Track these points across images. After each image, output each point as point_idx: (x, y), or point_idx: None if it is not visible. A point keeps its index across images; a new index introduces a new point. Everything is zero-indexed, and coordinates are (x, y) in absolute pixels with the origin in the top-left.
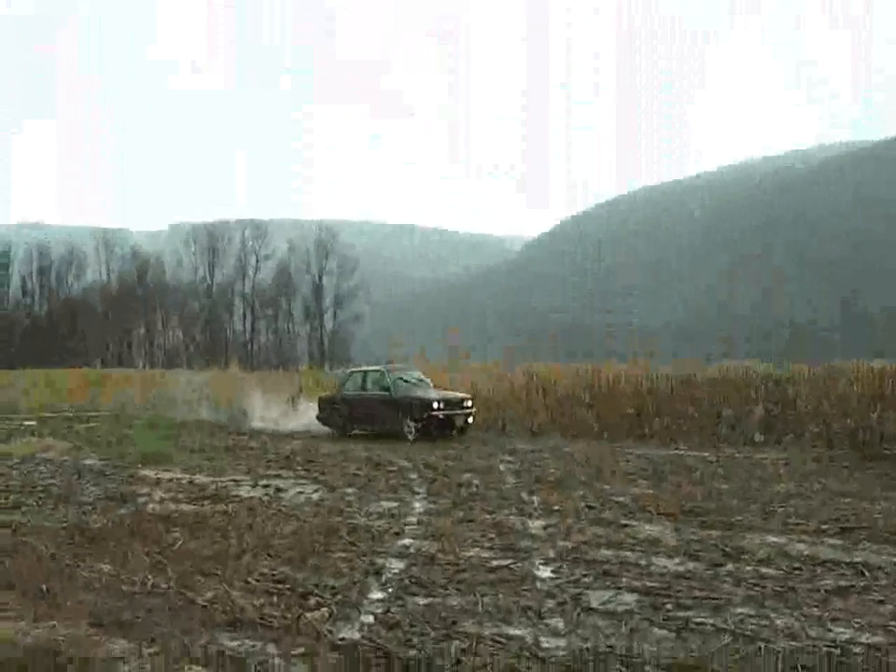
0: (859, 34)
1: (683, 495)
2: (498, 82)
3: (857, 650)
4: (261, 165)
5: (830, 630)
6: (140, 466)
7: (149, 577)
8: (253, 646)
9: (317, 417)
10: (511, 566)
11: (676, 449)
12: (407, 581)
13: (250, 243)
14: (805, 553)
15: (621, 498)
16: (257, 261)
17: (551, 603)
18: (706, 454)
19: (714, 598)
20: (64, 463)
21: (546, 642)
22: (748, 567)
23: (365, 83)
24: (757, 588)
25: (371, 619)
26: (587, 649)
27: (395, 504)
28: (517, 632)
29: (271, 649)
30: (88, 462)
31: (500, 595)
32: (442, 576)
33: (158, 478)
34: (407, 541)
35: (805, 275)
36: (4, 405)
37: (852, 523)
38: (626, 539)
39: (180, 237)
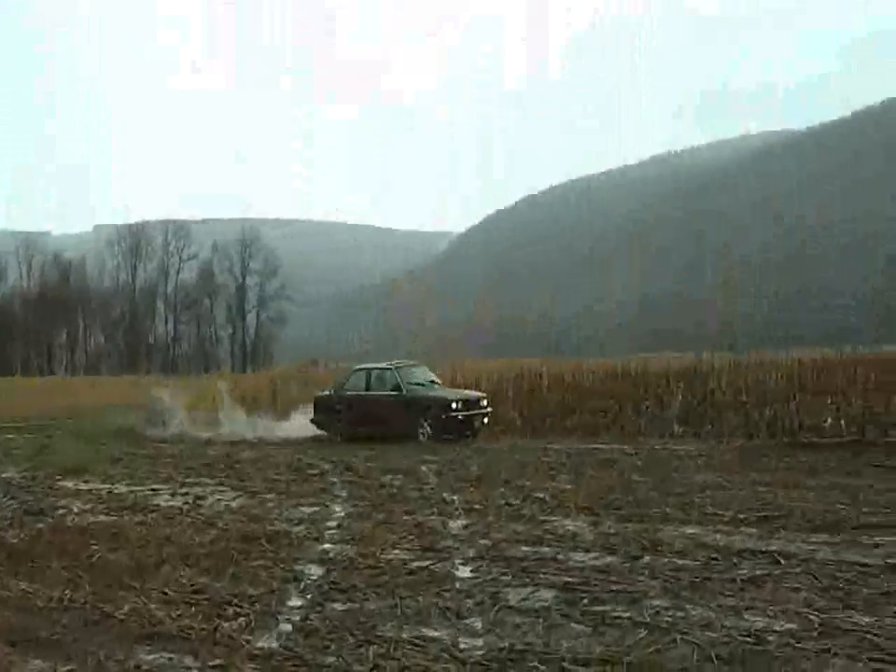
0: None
1: (602, 488)
2: (425, 75)
3: (771, 638)
4: (188, 164)
5: (745, 619)
6: (59, 477)
7: (66, 592)
8: (170, 659)
9: (312, 420)
10: (431, 567)
11: (597, 443)
12: (326, 587)
13: (173, 244)
14: (722, 543)
15: (540, 494)
16: (180, 262)
17: (469, 603)
18: (625, 447)
19: (631, 592)
20: None
21: (464, 643)
22: (664, 560)
23: (294, 73)
24: (673, 580)
25: (289, 627)
26: (505, 647)
27: (315, 508)
28: (436, 634)
29: (188, 661)
30: (5, 475)
31: (420, 597)
32: (362, 580)
33: (77, 489)
34: (327, 546)
35: (734, 267)
36: None
37: (769, 511)
38: (545, 535)
39: (104, 239)
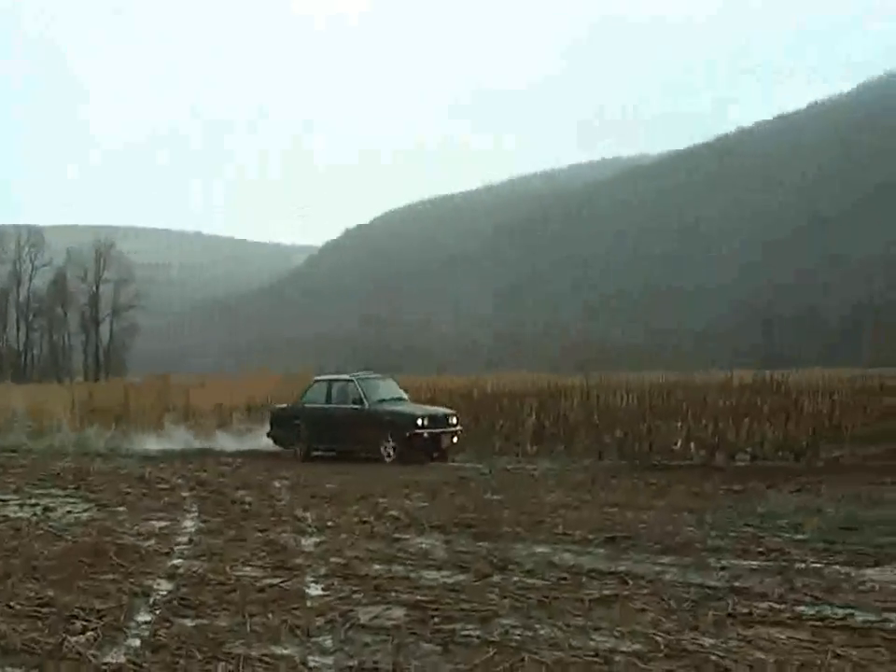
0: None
1: (456, 507)
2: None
3: (618, 658)
4: (43, 168)
5: (592, 639)
6: None
7: None
8: None
9: (269, 435)
10: (282, 584)
11: (452, 461)
12: (175, 603)
13: (26, 249)
14: (571, 563)
15: (394, 512)
16: (32, 269)
17: (320, 621)
18: (480, 465)
19: (481, 610)
20: None
21: (314, 661)
22: (515, 578)
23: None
24: (523, 599)
25: (137, 642)
26: (354, 666)
27: (166, 523)
28: (285, 651)
29: None
30: None
31: (270, 615)
32: (212, 596)
33: None
34: (177, 561)
35: (587, 290)
36: None
37: (618, 532)
38: (398, 554)
39: None
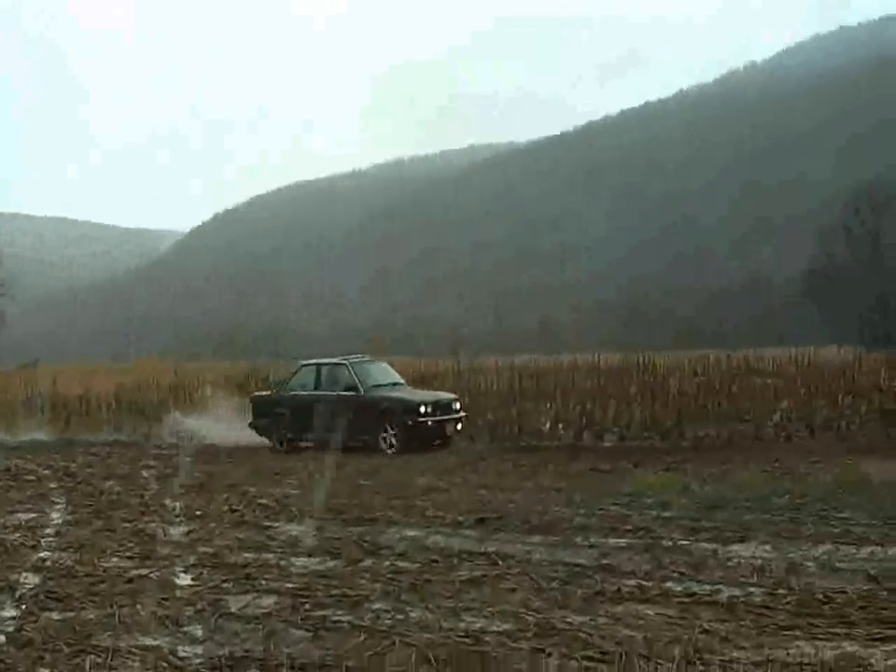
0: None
1: (327, 493)
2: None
3: (488, 638)
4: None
5: (462, 620)
6: None
7: None
8: None
9: (251, 425)
10: (151, 574)
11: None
12: (42, 596)
13: None
14: (442, 545)
15: (265, 500)
16: None
17: (189, 611)
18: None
19: (352, 595)
20: None
21: (183, 651)
22: (386, 563)
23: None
24: (394, 583)
25: (2, 638)
26: (224, 654)
27: (33, 515)
28: (154, 642)
29: None
30: None
31: (138, 606)
32: (79, 589)
33: None
34: (44, 554)
35: (453, 282)
36: None
37: (487, 514)
38: (268, 541)
39: None
